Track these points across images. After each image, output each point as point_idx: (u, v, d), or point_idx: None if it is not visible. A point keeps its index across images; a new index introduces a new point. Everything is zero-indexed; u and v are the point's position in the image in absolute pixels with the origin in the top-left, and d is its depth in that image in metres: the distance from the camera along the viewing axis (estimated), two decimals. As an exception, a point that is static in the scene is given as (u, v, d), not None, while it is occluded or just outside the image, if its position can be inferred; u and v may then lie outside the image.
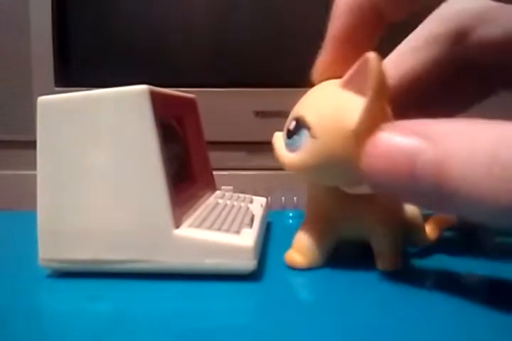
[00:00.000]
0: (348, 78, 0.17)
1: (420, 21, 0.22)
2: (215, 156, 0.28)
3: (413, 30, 0.22)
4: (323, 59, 0.19)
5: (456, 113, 0.23)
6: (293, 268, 0.19)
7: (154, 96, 0.18)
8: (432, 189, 0.13)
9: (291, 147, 0.18)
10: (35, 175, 0.19)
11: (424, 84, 0.21)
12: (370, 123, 0.15)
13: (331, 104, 0.17)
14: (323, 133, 0.17)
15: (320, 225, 0.19)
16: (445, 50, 0.21)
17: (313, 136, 0.17)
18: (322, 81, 0.19)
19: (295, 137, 0.17)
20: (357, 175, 0.15)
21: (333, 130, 0.16)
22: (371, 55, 0.16)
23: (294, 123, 0.18)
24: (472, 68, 0.22)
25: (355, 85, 0.17)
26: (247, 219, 0.20)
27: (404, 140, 0.14)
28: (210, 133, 0.27)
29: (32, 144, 0.19)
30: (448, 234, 0.22)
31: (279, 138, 0.19)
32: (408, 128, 0.14)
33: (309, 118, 0.17)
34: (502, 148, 0.12)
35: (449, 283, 0.18)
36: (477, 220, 0.14)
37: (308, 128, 0.17)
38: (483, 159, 0.12)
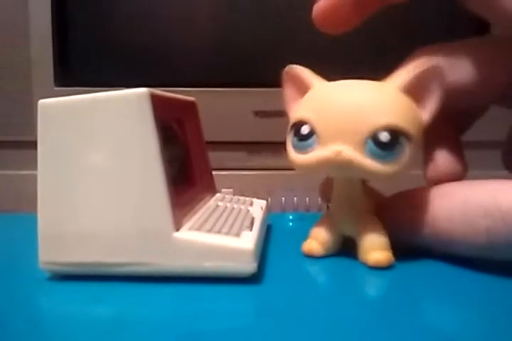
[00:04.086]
0: (408, 83, 0.18)
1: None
2: (214, 156, 0.28)
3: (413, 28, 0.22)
4: (324, 3, 0.20)
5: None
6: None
7: (155, 99, 0.18)
8: (430, 237, 0.19)
9: (388, 159, 0.18)
10: (34, 175, 0.19)
11: None
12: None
13: (407, 108, 0.18)
14: (416, 134, 0.18)
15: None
16: None
17: (412, 140, 0.18)
18: (326, 25, 0.20)
19: (397, 147, 0.18)
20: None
21: (419, 129, 0.19)
22: (436, 69, 0.18)
23: (385, 133, 0.17)
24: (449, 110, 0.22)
25: (415, 92, 0.19)
26: (247, 222, 0.20)
27: (405, 213, 0.20)
28: (209, 133, 0.27)
29: (32, 144, 0.19)
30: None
31: (355, 154, 0.18)
32: (406, 203, 0.20)
33: (404, 126, 0.18)
34: (468, 208, 0.18)
35: (446, 280, 0.18)
36: (467, 255, 0.19)
37: (407, 136, 0.18)
38: (458, 216, 0.18)
